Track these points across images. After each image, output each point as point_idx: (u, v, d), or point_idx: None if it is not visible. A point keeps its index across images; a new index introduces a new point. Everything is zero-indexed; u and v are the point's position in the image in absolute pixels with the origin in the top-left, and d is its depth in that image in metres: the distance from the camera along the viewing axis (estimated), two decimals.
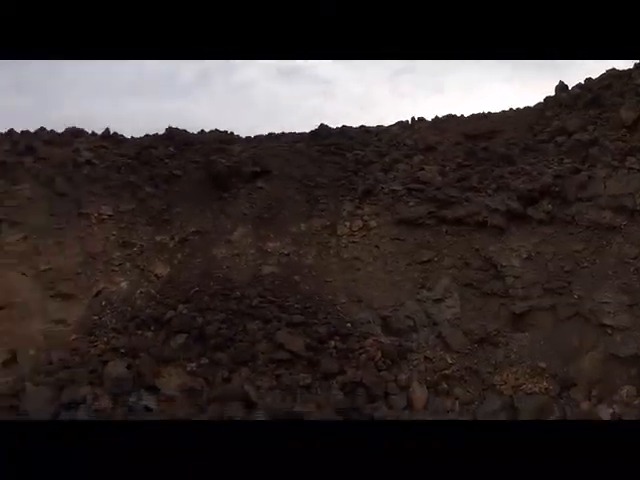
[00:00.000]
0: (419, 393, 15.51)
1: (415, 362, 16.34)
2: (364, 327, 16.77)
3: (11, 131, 20.06)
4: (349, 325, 16.72)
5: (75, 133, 20.57)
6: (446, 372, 16.08)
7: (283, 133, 22.14)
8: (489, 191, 18.52)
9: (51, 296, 16.02)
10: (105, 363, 14.78)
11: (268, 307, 16.43)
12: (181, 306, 16.04)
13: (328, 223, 18.46)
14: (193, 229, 17.63)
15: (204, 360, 15.46)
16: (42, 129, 20.40)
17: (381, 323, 17.00)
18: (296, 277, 17.28)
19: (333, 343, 16.22)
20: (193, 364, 15.40)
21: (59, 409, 13.90)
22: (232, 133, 21.77)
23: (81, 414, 14.04)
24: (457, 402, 15.51)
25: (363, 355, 16.07)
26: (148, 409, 14.62)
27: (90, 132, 20.76)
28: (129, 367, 14.82)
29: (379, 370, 15.92)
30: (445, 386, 15.80)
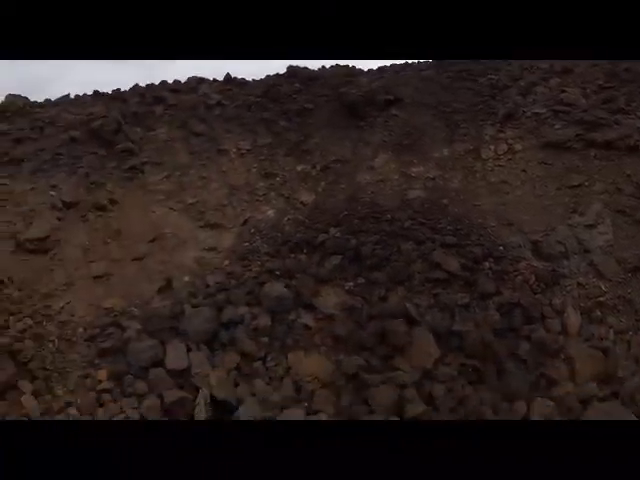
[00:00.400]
0: (573, 318, 14.91)
1: (568, 288, 15.62)
2: (515, 251, 16.10)
3: (136, 86, 20.50)
4: (501, 248, 16.08)
5: (197, 81, 20.80)
6: (600, 299, 15.36)
7: (407, 63, 21.63)
8: (639, 113, 17.60)
9: (200, 227, 16.04)
10: (262, 285, 14.60)
11: (420, 229, 15.92)
12: (332, 229, 15.71)
13: (471, 147, 17.86)
14: (334, 157, 17.32)
15: (361, 280, 15.10)
16: (164, 81, 20.69)
17: (532, 248, 16.28)
18: (444, 201, 16.74)
19: (487, 264, 15.63)
20: (350, 283, 15.06)
21: (218, 328, 13.82)
22: (354, 67, 21.42)
23: (239, 332, 13.96)
24: (611, 330, 14.86)
25: (518, 277, 15.44)
26: (307, 327, 14.40)
27: (212, 79, 20.88)
28: (287, 287, 14.64)
29: (534, 293, 15.27)
30: (599, 314, 15.12)
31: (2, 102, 18.10)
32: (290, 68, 20.51)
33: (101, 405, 12.85)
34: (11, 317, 13.68)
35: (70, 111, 18.36)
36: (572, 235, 16.43)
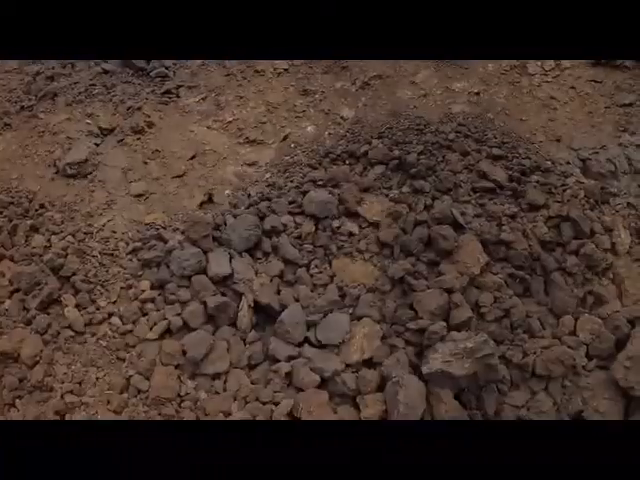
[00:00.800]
0: (624, 237, 14.26)
1: (618, 207, 14.94)
2: (564, 167, 15.53)
3: None
4: (549, 163, 15.55)
5: None
6: None
7: None
8: None
9: (240, 143, 15.73)
10: (304, 193, 14.33)
11: (465, 141, 15.32)
12: (375, 141, 15.27)
13: (517, 62, 17.15)
14: (374, 74, 16.84)
15: (405, 188, 14.73)
16: None
17: (580, 165, 15.66)
18: (489, 114, 16.13)
19: (535, 177, 15.09)
20: (395, 191, 14.72)
21: (261, 237, 13.61)
22: None
23: (282, 240, 13.74)
24: None
25: (567, 191, 14.89)
26: (351, 234, 14.10)
27: None
28: (330, 195, 14.42)
29: (583, 209, 14.77)
30: None
31: None
32: None
33: (144, 314, 12.82)
34: (53, 236, 13.83)
35: None
36: (622, 154, 15.74)
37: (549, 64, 17.23)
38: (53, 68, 17.62)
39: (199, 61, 17.70)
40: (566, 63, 17.21)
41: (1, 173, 15.11)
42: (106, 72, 17.39)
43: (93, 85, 16.96)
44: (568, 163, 15.67)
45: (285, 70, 17.35)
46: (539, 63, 17.22)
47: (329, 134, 16.12)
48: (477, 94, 16.70)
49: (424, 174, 14.75)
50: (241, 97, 16.82)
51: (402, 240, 13.71)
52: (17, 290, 12.92)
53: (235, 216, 14.00)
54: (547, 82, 17.06)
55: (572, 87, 16.90)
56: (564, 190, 14.91)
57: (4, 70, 18.32)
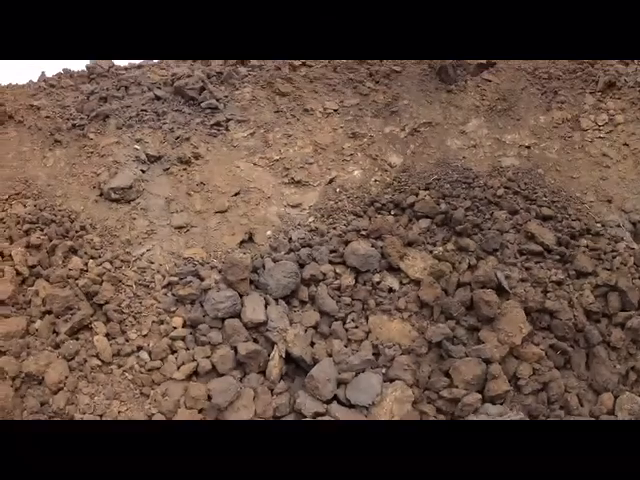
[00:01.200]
0: None
1: None
2: (614, 230, 14.55)
3: None
4: (599, 225, 14.59)
5: None
6: None
7: None
8: None
9: (285, 183, 15.10)
10: (347, 243, 13.62)
11: (514, 198, 14.55)
12: (422, 192, 14.55)
13: (569, 116, 16.19)
14: (423, 120, 16.09)
15: (450, 245, 13.93)
16: None
17: (631, 229, 14.68)
18: (540, 170, 15.31)
19: (585, 241, 14.18)
20: (439, 248, 13.92)
21: (299, 284, 12.90)
22: None
23: (321, 290, 13.01)
24: None
25: (617, 258, 13.92)
26: (392, 290, 13.32)
27: None
28: (373, 247, 13.67)
29: (633, 278, 13.75)
30: None
31: (87, 64, 17.97)
32: None
33: (173, 352, 12.25)
34: (91, 260, 13.32)
35: (154, 72, 18.04)
36: None
37: (602, 119, 16.26)
38: (107, 89, 17.17)
39: (250, 95, 17.11)
40: (620, 118, 16.21)
41: (47, 189, 14.64)
42: (158, 98, 16.89)
43: (144, 110, 16.45)
44: (619, 226, 14.76)
45: (335, 111, 16.73)
46: (592, 118, 16.30)
47: (375, 181, 15.42)
48: (528, 147, 15.92)
49: (470, 232, 13.96)
50: (289, 135, 16.21)
51: (443, 302, 12.92)
52: (49, 312, 12.39)
53: (275, 260, 13.35)
54: (600, 138, 16.13)
55: (625, 144, 15.95)
56: (613, 257, 14.03)
57: (60, 86, 17.97)
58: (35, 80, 18.09)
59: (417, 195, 14.67)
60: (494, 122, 16.31)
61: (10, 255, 12.90)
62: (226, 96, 17.17)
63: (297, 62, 17.99)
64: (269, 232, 14.30)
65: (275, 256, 13.50)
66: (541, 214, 14.26)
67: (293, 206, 14.90)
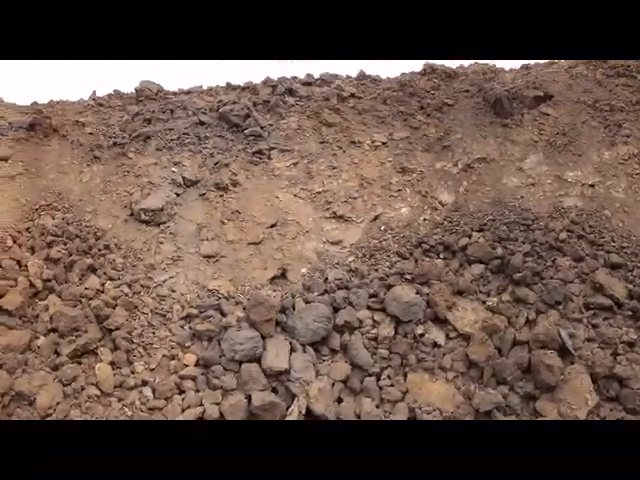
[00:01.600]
0: None
1: None
2: None
3: (267, 79, 18.83)
4: None
5: (330, 76, 18.76)
6: None
7: (552, 61, 18.09)
8: None
9: (326, 217, 13.41)
10: (389, 287, 11.69)
11: (578, 243, 12.46)
12: (475, 234, 12.60)
13: (636, 151, 14.16)
14: (478, 156, 14.27)
15: (506, 296, 11.84)
16: (294, 77, 18.70)
17: None
18: (606, 212, 13.17)
19: None
20: (493, 299, 11.84)
21: (331, 331, 11.03)
22: (494, 65, 18.34)
23: (355, 339, 11.09)
24: None
25: None
26: (436, 345, 11.29)
27: (345, 75, 18.58)
28: (418, 294, 11.66)
29: None
30: None
31: (137, 87, 17.32)
32: (427, 65, 17.74)
33: (180, 392, 10.54)
34: (109, 282, 11.96)
35: (201, 98, 17.06)
36: None
37: None
38: (153, 112, 16.06)
39: (295, 125, 15.63)
40: None
41: (78, 204, 13.58)
42: (202, 123, 15.75)
43: (186, 134, 15.27)
44: None
45: (383, 144, 15.05)
46: None
47: (424, 220, 13.54)
48: (592, 186, 13.81)
49: (529, 280, 11.86)
50: (334, 167, 14.58)
51: (496, 363, 10.77)
52: (55, 330, 11.11)
53: (307, 301, 11.51)
54: None
55: None
56: None
57: (109, 105, 17.02)
58: (86, 98, 17.45)
59: (470, 237, 12.75)
60: (554, 158, 14.33)
61: (27, 266, 11.82)
62: (271, 124, 15.85)
63: (346, 93, 16.71)
64: (304, 269, 12.55)
65: (307, 296, 11.69)
66: (609, 262, 12.12)
67: (333, 243, 13.13)
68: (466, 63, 18.53)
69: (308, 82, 18.39)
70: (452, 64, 18.33)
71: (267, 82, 18.55)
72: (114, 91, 17.91)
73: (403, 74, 18.20)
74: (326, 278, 12.06)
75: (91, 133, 15.41)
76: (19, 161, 14.15)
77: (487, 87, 15.95)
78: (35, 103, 16.49)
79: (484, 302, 11.76)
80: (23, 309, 11.17)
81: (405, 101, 15.98)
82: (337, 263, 12.55)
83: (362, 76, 18.47)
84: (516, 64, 18.39)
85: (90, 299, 11.46)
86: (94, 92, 17.75)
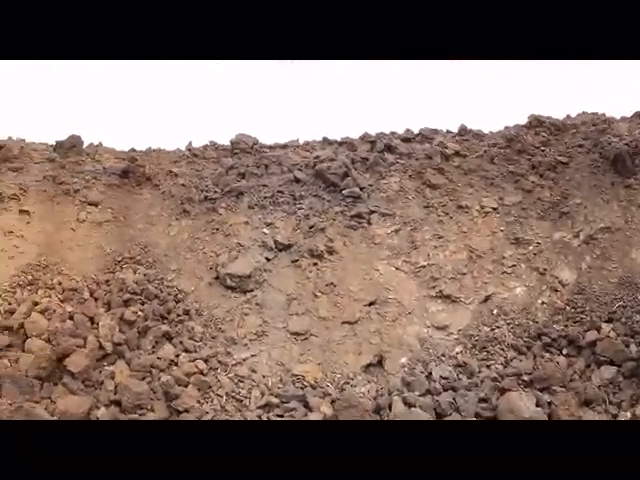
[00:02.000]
0: None
1: None
2: None
3: (365, 134, 17.47)
4: None
5: (430, 131, 17.10)
6: None
7: None
8: None
9: (431, 297, 11.58)
10: (502, 391, 9.55)
11: None
12: (604, 326, 10.39)
13: None
14: (601, 225, 12.13)
15: None
16: (392, 133, 17.06)
17: None
18: None
19: None
20: (626, 413, 9.48)
21: None
22: (604, 114, 15.94)
23: None
24: None
25: None
26: None
27: (445, 130, 16.95)
28: (538, 404, 9.39)
29: None
30: None
31: (232, 139, 16.28)
32: (532, 117, 15.66)
33: None
34: (184, 354, 10.64)
35: (297, 153, 15.84)
36: None
37: None
38: (247, 166, 14.89)
39: (397, 186, 14.04)
40: None
41: (162, 259, 12.52)
42: (297, 181, 14.44)
43: (280, 192, 14.01)
44: None
45: (494, 209, 13.17)
46: None
47: (543, 304, 11.48)
48: None
49: None
50: (440, 237, 12.79)
51: None
52: (118, 403, 9.87)
53: (406, 402, 9.66)
54: None
55: None
56: None
57: (203, 156, 16.08)
58: (182, 148, 16.58)
59: (598, 330, 10.60)
60: None
61: (98, 324, 10.75)
62: (371, 185, 14.30)
63: (449, 150, 15.00)
64: (404, 359, 10.76)
65: (407, 396, 9.78)
66: None
67: (438, 328, 11.26)
68: (573, 112, 16.31)
69: (408, 138, 16.95)
70: (558, 115, 16.22)
71: (365, 137, 17.26)
72: (210, 142, 17.03)
73: (507, 127, 16.22)
74: (430, 373, 10.16)
75: (183, 185, 14.46)
76: (108, 208, 13.48)
77: (603, 141, 13.74)
78: (133, 150, 15.83)
79: (615, 416, 9.44)
80: (88, 372, 10.06)
81: (514, 159, 14.07)
82: (442, 355, 10.66)
83: (464, 131, 16.77)
84: (627, 111, 16.19)
85: (161, 370, 10.24)
86: (190, 142, 16.91)
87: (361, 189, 13.79)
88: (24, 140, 15.28)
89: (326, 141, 17.22)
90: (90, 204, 13.47)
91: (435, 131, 17.27)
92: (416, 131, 17.45)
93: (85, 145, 15.38)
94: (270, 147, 16.67)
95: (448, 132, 17.22)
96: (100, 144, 16.00)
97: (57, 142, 15.05)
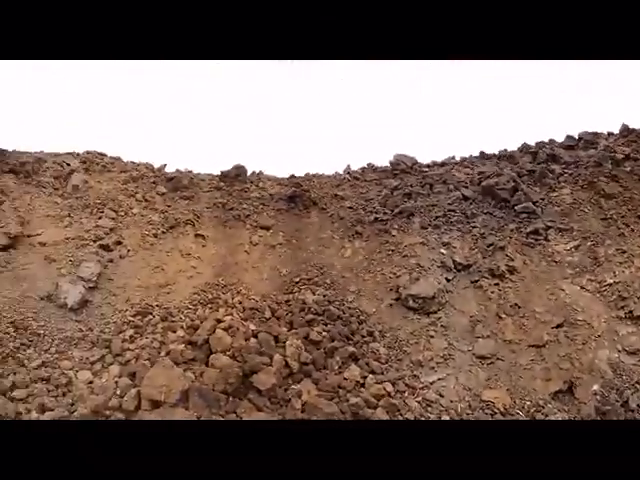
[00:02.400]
0: None
1: None
2: None
3: (524, 145, 16.75)
4: None
5: (590, 138, 15.95)
6: None
7: None
8: None
9: (619, 317, 10.79)
10: None
11: None
12: None
13: None
14: None
15: None
16: (551, 140, 16.38)
17: None
18: None
19: None
20: None
21: None
22: None
23: None
24: None
25: None
26: None
27: (606, 132, 16.06)
28: None
29: None
30: None
31: (391, 160, 16.51)
32: None
33: None
34: (370, 375, 10.46)
35: (459, 170, 15.62)
36: None
37: None
38: (411, 186, 14.83)
39: (570, 198, 13.26)
40: None
41: (340, 281, 12.56)
42: (465, 199, 14.17)
43: (452, 211, 13.79)
44: None
45: None
46: None
47: None
48: None
49: None
50: (623, 251, 11.90)
51: None
52: None
53: None
54: None
55: None
56: None
57: (364, 179, 16.32)
58: (340, 172, 17.03)
59: None
60: None
61: (284, 343, 10.81)
62: (542, 198, 13.70)
63: (619, 155, 14.00)
64: (595, 387, 10.04)
65: None
66: None
67: (630, 352, 10.43)
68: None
69: (570, 145, 16.04)
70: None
71: (524, 149, 16.54)
72: (368, 164, 17.34)
73: None
74: (625, 401, 9.37)
75: (350, 207, 14.71)
76: (280, 231, 13.93)
77: None
78: (293, 176, 16.42)
79: None
80: (274, 390, 10.09)
81: None
82: (637, 382, 9.74)
83: (626, 131, 15.41)
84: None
85: (348, 391, 10.12)
86: (348, 166, 17.29)
87: (534, 204, 13.25)
88: (192, 171, 16.25)
89: (484, 156, 16.82)
90: (262, 228, 14.00)
91: (596, 134, 16.22)
92: (576, 136, 16.50)
93: (248, 174, 16.04)
94: (428, 166, 16.60)
95: (610, 134, 16.04)
96: (261, 172, 16.78)
97: (222, 172, 15.92)
